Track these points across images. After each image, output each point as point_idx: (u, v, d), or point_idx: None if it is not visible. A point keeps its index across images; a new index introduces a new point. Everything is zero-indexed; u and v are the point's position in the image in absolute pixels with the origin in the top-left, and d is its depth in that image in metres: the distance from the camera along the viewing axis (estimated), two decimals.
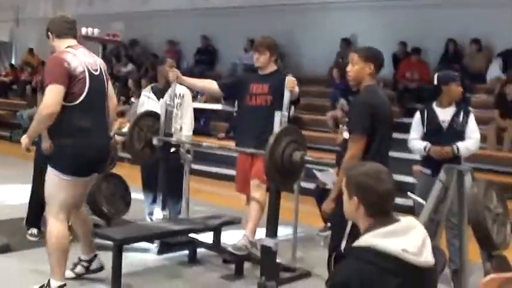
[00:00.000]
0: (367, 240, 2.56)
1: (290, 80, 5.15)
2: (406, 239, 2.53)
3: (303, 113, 12.26)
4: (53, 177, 4.45)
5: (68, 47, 4.58)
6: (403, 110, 11.36)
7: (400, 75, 12.17)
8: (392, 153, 9.83)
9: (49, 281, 4.48)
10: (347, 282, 2.50)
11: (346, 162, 4.22)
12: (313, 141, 10.13)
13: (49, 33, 4.68)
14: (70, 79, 4.36)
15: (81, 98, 4.41)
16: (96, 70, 4.60)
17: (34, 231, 6.16)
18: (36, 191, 6.10)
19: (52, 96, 4.26)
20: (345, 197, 2.78)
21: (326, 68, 13.32)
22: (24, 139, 4.54)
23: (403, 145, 6.65)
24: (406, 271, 2.49)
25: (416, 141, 5.89)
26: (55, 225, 4.41)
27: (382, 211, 2.67)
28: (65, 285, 4.48)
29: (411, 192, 4.95)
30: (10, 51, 23.74)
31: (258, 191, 5.42)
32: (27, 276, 5.09)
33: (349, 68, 4.44)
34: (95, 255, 5.07)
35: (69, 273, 4.98)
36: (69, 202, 4.52)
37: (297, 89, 5.28)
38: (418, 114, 5.96)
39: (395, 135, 10.62)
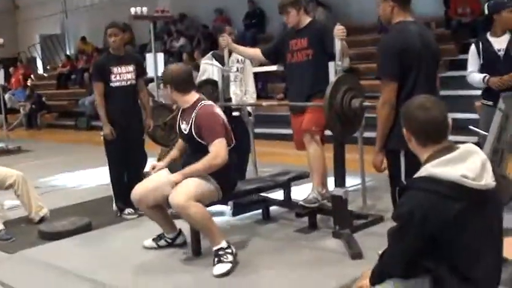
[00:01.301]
0: (427, 170, 2.64)
1: (338, 29, 5.07)
2: (465, 165, 2.59)
3: (357, 62, 12.18)
4: (211, 186, 4.75)
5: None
6: (459, 47, 11.19)
7: (452, 11, 11.92)
8: (452, 92, 9.76)
9: (217, 250, 4.63)
10: (411, 212, 2.59)
11: (379, 109, 4.10)
12: (373, 89, 10.07)
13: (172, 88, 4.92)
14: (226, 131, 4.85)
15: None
16: None
17: (130, 210, 6.35)
18: (116, 174, 6.48)
19: (223, 149, 4.71)
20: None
21: (375, 14, 13.13)
22: (178, 176, 4.72)
23: (463, 82, 6.59)
24: (468, 196, 2.56)
25: (474, 74, 5.85)
26: (194, 204, 4.54)
27: (430, 139, 2.74)
28: (228, 244, 4.70)
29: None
30: (64, 42, 24.22)
31: (312, 143, 5.48)
32: (113, 250, 5.38)
33: (379, 10, 4.23)
34: (179, 233, 5.23)
35: (150, 243, 5.23)
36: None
37: (344, 43, 5.23)
38: (473, 47, 5.91)
39: (454, 73, 10.46)
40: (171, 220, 5.19)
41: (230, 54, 6.37)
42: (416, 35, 4.09)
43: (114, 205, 6.51)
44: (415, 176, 2.67)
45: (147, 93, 6.85)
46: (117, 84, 6.32)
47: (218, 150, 4.67)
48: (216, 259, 4.61)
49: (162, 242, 5.22)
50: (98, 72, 6.44)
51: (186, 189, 4.59)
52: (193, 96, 4.94)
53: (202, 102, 4.89)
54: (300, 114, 5.68)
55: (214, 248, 4.66)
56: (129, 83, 6.40)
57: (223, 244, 4.66)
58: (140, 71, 6.64)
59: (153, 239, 5.23)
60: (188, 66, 5.33)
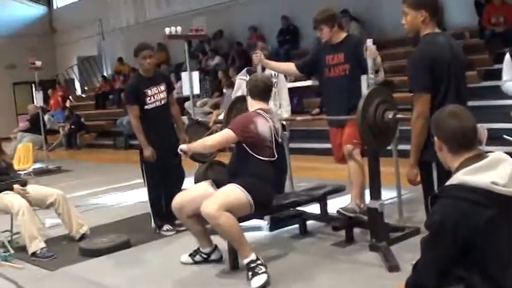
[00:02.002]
0: (458, 178, 2.66)
1: (371, 50, 5.11)
2: (496, 172, 2.62)
3: (391, 75, 12.13)
4: (243, 199, 4.79)
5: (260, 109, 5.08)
6: (493, 57, 11.10)
7: (486, 21, 11.81)
8: (486, 102, 9.67)
9: (248, 263, 4.68)
10: (443, 219, 2.61)
11: (413, 122, 4.10)
12: (407, 102, 10.03)
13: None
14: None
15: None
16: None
17: (168, 227, 6.44)
18: (155, 193, 6.55)
19: (220, 138, 5.03)
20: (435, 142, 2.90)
21: None
22: (186, 146, 5.20)
23: (497, 92, 6.55)
24: (498, 202, 2.58)
25: (509, 83, 5.82)
26: (224, 214, 4.61)
27: (462, 147, 2.76)
28: (257, 256, 4.74)
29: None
30: (100, 63, 24.57)
31: (352, 157, 5.55)
32: (152, 266, 5.46)
33: (403, 20, 4.17)
34: (214, 248, 5.27)
35: (187, 259, 5.30)
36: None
37: (379, 59, 5.28)
38: (507, 56, 5.88)
39: (488, 83, 10.35)
40: (208, 234, 5.24)
41: (264, 69, 6.44)
42: (446, 45, 4.10)
43: (152, 222, 6.59)
44: (446, 184, 2.70)
45: (177, 107, 6.96)
46: (153, 106, 6.42)
47: (220, 135, 5.01)
48: (250, 272, 4.64)
49: (198, 258, 5.27)
50: (133, 95, 6.49)
51: (217, 199, 4.67)
52: (259, 104, 5.09)
53: (257, 110, 5.03)
54: (340, 127, 5.74)
55: (245, 261, 4.70)
56: (163, 102, 6.49)
57: (253, 256, 4.69)
58: (170, 87, 6.79)
59: (190, 255, 5.30)
60: (268, 78, 5.46)
